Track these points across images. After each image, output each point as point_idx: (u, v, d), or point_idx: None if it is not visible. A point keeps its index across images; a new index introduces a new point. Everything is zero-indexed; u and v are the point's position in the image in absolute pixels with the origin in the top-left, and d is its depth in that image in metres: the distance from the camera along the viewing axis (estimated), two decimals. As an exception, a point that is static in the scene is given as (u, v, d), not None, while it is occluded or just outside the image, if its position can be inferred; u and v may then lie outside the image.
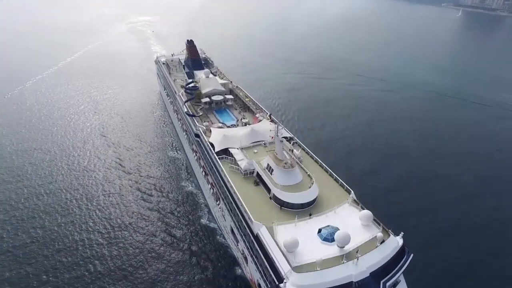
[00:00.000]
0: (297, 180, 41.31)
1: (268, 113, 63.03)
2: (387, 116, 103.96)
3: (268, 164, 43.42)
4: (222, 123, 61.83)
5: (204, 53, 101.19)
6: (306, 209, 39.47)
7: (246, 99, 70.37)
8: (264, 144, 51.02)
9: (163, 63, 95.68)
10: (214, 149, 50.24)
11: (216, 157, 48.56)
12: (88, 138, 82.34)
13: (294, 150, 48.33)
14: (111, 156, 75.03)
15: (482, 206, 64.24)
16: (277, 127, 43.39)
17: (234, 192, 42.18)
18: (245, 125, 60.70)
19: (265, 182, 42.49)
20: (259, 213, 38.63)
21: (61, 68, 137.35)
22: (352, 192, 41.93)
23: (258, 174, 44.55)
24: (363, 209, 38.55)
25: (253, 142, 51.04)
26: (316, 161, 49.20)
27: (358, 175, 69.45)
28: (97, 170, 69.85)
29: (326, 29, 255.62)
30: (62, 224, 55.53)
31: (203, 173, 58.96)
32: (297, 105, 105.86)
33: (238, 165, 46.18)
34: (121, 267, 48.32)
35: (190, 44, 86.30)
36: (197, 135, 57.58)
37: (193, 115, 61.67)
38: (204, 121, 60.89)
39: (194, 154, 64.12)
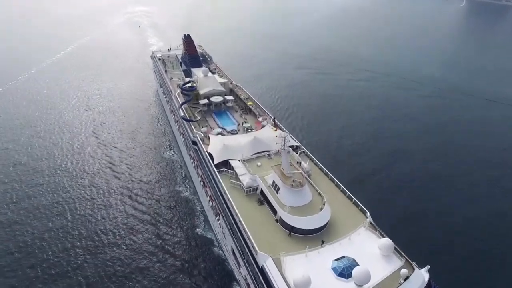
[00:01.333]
0: (306, 200, 36.65)
1: (272, 117, 58.03)
2: (398, 116, 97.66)
3: (273, 181, 38.71)
4: (222, 128, 56.90)
5: (202, 49, 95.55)
6: (317, 235, 34.95)
7: (248, 103, 64.53)
8: (269, 155, 46.16)
9: (159, 59, 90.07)
10: (213, 161, 45.42)
11: (215, 170, 43.78)
12: (78, 138, 77.54)
13: (302, 163, 43.51)
14: (101, 157, 70.41)
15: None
16: (284, 139, 38.43)
17: (236, 214, 37.58)
18: (247, 130, 56.00)
19: (270, 202, 37.85)
20: (264, 240, 34.11)
21: (54, 61, 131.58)
22: (368, 213, 37.36)
23: (262, 192, 39.88)
24: (382, 236, 34.03)
25: (256, 153, 46.20)
26: (326, 174, 44.51)
27: (371, 189, 63.35)
28: (86, 173, 65.48)
29: (329, 20, 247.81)
30: (48, 232, 51.89)
31: (201, 182, 54.32)
32: (300, 103, 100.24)
33: (239, 181, 41.44)
34: (111, 279, 45.04)
35: (187, 40, 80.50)
36: (194, 143, 52.71)
37: (190, 120, 56.63)
38: (202, 126, 55.97)
39: (192, 160, 59.39)
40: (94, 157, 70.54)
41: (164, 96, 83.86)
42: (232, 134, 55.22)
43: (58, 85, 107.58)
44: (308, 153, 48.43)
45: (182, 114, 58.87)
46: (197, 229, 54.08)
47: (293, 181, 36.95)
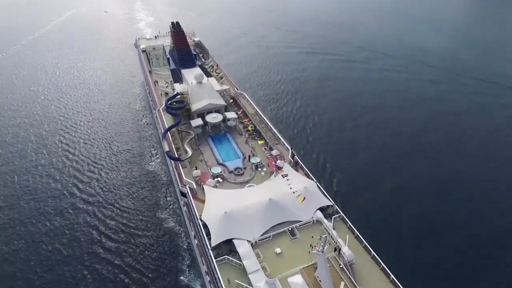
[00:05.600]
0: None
1: (290, 148, 43.00)
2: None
3: (304, 296, 24.85)
4: (223, 165, 42.20)
5: (195, 39, 77.59)
6: None
7: (260, 142, 47.14)
8: (291, 231, 31.79)
9: (143, 51, 73.03)
10: (209, 239, 31.11)
11: (214, 259, 29.62)
12: (43, 146, 63.72)
13: (342, 249, 29.23)
14: (68, 172, 57.15)
15: None
16: (325, 239, 24.05)
17: None
18: (257, 168, 41.41)
19: None
20: None
21: (30, 42, 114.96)
22: None
23: (285, 306, 26.12)
24: None
25: (273, 227, 31.87)
26: (374, 258, 30.26)
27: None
28: (47, 193, 53.09)
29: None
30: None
31: (196, 240, 40.31)
32: (311, 106, 76.86)
33: (250, 283, 27.49)
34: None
35: (176, 30, 62.77)
36: (183, 194, 38.18)
37: (177, 159, 41.54)
38: (195, 166, 41.22)
39: (183, 204, 44.93)
40: (54, 176, 56.43)
41: (150, 97, 68.08)
42: (237, 175, 40.73)
43: (27, 74, 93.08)
44: (346, 219, 33.73)
45: (167, 148, 43.44)
46: (181, 277, 41.06)
47: (336, 303, 23.07)
